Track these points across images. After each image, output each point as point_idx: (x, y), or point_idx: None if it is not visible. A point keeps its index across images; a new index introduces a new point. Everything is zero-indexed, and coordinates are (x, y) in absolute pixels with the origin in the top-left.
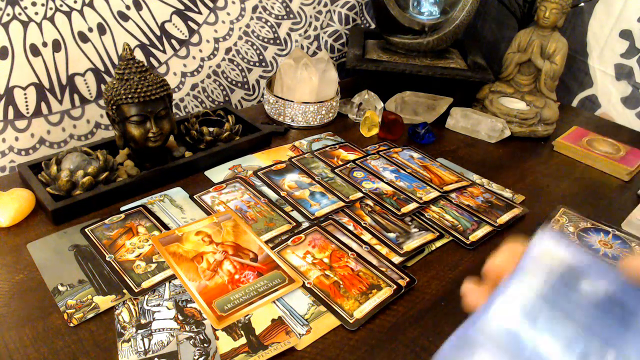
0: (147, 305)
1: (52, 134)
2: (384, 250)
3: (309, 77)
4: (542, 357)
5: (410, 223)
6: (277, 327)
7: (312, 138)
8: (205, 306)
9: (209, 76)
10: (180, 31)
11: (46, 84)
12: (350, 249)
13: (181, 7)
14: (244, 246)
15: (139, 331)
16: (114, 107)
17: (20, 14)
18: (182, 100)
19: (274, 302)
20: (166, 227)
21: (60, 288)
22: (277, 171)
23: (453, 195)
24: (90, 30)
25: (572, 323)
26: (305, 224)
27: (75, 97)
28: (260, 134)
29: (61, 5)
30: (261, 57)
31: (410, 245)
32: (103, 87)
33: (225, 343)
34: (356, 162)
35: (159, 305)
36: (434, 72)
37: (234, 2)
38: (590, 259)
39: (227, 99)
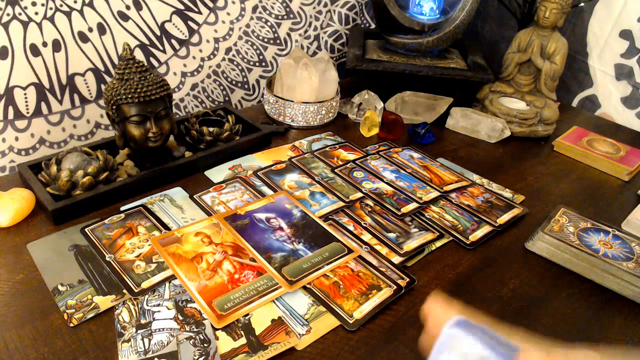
0: (147, 305)
1: (52, 134)
2: (384, 250)
3: (309, 77)
4: None
5: (410, 223)
6: (277, 327)
7: (312, 138)
8: (205, 305)
9: (209, 76)
10: (180, 31)
11: (46, 84)
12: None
13: (181, 7)
14: (243, 246)
15: (139, 331)
16: (114, 107)
17: (20, 14)
18: (182, 100)
19: (274, 302)
20: (166, 227)
21: (60, 288)
22: (277, 171)
23: (453, 195)
24: (90, 30)
25: None
26: None
27: (75, 97)
28: (260, 134)
29: (61, 5)
30: (261, 57)
31: (410, 245)
32: (103, 87)
33: (225, 343)
34: (356, 162)
35: (159, 305)
36: (434, 72)
37: (234, 2)
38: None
39: (227, 99)
